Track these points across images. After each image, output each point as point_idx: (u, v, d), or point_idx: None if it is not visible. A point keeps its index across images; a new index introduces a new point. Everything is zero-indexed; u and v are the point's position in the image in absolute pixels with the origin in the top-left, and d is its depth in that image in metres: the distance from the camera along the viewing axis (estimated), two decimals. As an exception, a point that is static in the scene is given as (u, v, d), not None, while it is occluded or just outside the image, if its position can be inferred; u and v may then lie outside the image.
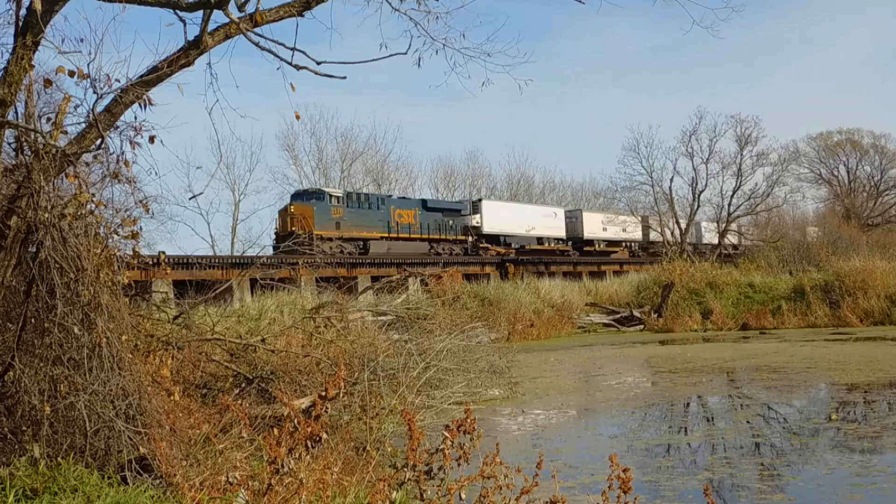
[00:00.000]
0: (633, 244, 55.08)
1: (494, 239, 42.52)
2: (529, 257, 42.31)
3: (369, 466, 6.75)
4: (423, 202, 39.66)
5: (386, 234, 35.46)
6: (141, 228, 7.53)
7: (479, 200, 44.10)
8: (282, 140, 58.97)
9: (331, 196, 33.41)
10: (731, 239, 50.38)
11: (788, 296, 30.96)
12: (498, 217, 43.45)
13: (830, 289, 30.09)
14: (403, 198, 39.93)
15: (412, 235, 37.07)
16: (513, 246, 44.14)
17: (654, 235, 51.81)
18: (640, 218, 50.27)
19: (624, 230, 50.72)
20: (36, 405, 6.07)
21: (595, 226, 51.69)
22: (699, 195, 47.63)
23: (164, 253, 10.92)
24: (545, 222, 47.47)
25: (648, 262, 47.87)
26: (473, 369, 14.47)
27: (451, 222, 40.06)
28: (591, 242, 51.23)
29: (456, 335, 14.92)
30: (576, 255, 48.24)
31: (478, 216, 42.11)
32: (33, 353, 6.31)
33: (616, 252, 52.32)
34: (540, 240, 47.09)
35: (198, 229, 73.93)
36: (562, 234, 48.95)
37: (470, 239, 40.78)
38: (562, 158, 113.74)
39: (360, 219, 34.01)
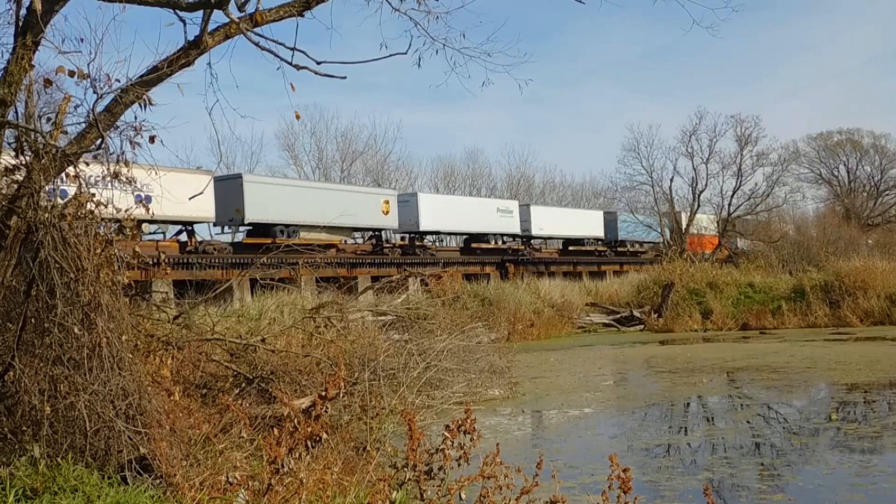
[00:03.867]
0: None
1: None
2: None
3: (369, 466, 6.75)
4: None
5: None
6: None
7: None
8: (282, 140, 58.79)
9: None
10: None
11: (788, 296, 30.93)
12: None
13: (830, 289, 30.06)
14: None
15: None
16: None
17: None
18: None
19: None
20: (36, 405, 6.07)
21: None
22: (699, 195, 47.69)
23: (164, 253, 10.94)
24: None
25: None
26: (473, 369, 14.47)
27: None
28: None
29: (456, 335, 14.90)
30: None
31: None
32: (33, 353, 6.31)
33: None
34: None
35: (197, 229, 73.57)
36: None
37: None
38: (562, 158, 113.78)
39: None
